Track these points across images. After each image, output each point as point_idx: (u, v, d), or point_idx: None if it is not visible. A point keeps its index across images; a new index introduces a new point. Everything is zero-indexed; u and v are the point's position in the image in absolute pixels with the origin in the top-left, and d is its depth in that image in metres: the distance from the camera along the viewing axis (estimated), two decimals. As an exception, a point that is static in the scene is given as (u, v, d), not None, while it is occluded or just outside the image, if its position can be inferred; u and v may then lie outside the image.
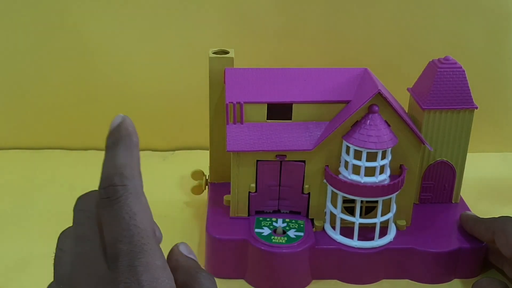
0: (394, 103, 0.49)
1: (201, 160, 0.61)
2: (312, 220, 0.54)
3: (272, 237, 0.51)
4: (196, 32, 0.65)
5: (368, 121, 0.49)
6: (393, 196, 0.51)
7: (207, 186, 0.60)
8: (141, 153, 0.75)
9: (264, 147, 0.50)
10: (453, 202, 0.59)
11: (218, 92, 0.55)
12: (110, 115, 0.78)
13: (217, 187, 0.59)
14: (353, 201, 0.51)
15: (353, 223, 0.51)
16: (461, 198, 0.59)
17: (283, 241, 0.51)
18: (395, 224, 0.54)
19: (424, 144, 0.51)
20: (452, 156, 0.57)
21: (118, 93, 0.72)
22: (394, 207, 0.52)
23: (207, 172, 0.60)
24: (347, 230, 0.52)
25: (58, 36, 0.69)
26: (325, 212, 0.54)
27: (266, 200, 0.53)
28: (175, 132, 0.74)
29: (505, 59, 0.70)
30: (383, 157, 0.50)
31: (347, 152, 0.50)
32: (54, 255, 0.33)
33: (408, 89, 0.58)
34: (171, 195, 0.65)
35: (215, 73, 0.54)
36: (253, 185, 0.52)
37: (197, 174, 0.61)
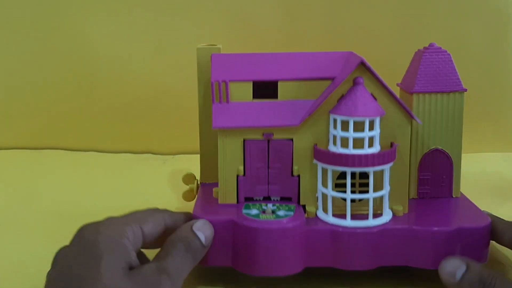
0: (379, 77, 0.49)
1: None
2: (304, 206, 0.52)
3: (260, 216, 0.49)
4: (201, 39, 0.66)
5: (353, 93, 0.49)
6: (385, 169, 0.49)
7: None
8: (142, 156, 0.76)
9: (251, 123, 0.50)
10: (453, 196, 0.56)
11: (206, 85, 0.56)
12: (111, 117, 0.79)
13: (209, 186, 0.58)
14: (345, 185, 0.49)
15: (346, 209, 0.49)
16: (461, 193, 0.57)
17: (272, 217, 0.49)
18: (392, 210, 0.51)
19: (412, 118, 0.50)
20: (447, 144, 0.55)
21: (120, 95, 0.73)
22: (387, 186, 0.50)
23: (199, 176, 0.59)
24: (340, 216, 0.50)
25: (59, 36, 0.70)
26: (317, 197, 0.52)
27: (255, 185, 0.52)
28: (176, 136, 0.73)
29: (505, 59, 0.70)
30: (371, 128, 0.49)
31: (335, 126, 0.49)
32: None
33: (397, 84, 0.58)
34: (171, 198, 0.64)
35: (203, 65, 0.55)
36: (241, 167, 0.51)
37: (188, 178, 0.60)
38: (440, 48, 0.55)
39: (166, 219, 0.48)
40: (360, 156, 0.47)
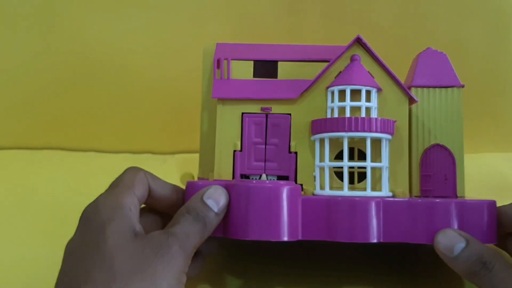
0: (377, 55, 0.51)
1: None
2: (301, 186, 0.50)
3: (255, 179, 0.48)
4: (201, 39, 0.64)
5: (350, 68, 0.50)
6: (384, 140, 0.49)
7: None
8: (142, 156, 0.74)
9: (249, 95, 0.51)
10: (458, 196, 0.54)
11: (209, 84, 0.57)
12: (111, 117, 0.79)
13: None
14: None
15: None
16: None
17: (267, 180, 0.47)
18: (393, 193, 0.50)
19: (409, 96, 0.51)
20: (447, 140, 0.54)
21: (119, 95, 0.72)
22: (386, 160, 0.49)
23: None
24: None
25: (58, 36, 0.70)
26: (315, 177, 0.50)
27: (252, 162, 0.51)
28: (176, 136, 0.71)
29: (505, 59, 0.69)
30: (368, 100, 0.49)
31: (332, 100, 0.50)
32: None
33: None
34: None
35: (209, 64, 0.57)
36: (238, 142, 0.51)
37: (186, 178, 0.59)
38: (437, 50, 0.57)
39: (148, 178, 0.45)
40: (356, 119, 0.47)
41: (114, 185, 0.43)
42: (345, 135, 0.47)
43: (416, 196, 0.53)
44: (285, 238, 0.45)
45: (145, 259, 0.38)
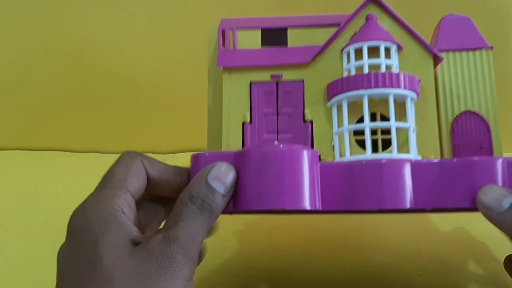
0: (394, 12, 0.47)
1: None
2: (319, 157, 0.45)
3: (267, 145, 0.43)
4: (201, 38, 0.64)
5: (366, 27, 0.46)
6: (408, 98, 0.44)
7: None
8: None
9: (258, 62, 0.47)
10: (497, 167, 0.48)
11: (215, 59, 0.54)
12: (112, 118, 0.78)
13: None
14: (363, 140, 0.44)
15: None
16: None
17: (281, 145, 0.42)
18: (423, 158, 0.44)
19: (433, 53, 0.46)
20: (480, 105, 0.49)
21: (120, 96, 0.71)
22: (412, 120, 0.44)
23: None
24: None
25: (59, 37, 0.70)
26: (333, 146, 0.45)
27: (263, 134, 0.46)
28: (176, 135, 0.69)
29: (505, 60, 0.66)
30: (388, 57, 0.45)
31: (348, 61, 0.46)
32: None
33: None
34: None
35: (214, 46, 0.54)
36: (247, 113, 0.47)
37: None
38: (460, 15, 0.52)
39: (146, 164, 0.40)
40: (377, 74, 0.43)
41: (105, 182, 0.38)
42: (365, 93, 0.43)
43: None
44: (307, 206, 0.39)
45: (146, 276, 0.32)
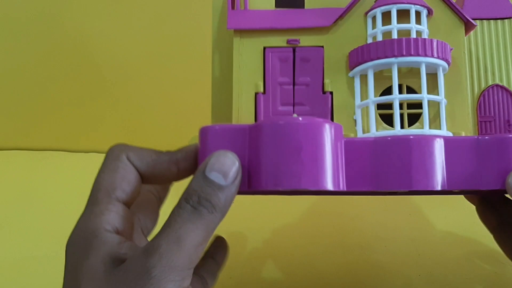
0: None
1: None
2: (340, 129, 0.41)
3: (284, 117, 0.38)
4: (201, 37, 0.63)
5: (393, -11, 0.42)
6: (439, 68, 0.40)
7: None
8: None
9: (273, 25, 0.42)
10: (527, 144, 0.45)
11: (222, 22, 0.49)
12: (112, 118, 0.77)
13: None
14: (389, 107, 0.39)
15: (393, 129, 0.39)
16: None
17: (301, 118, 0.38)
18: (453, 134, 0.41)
19: (466, 20, 0.42)
20: (508, 79, 0.46)
21: (120, 95, 0.72)
22: (443, 93, 0.40)
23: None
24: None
25: (59, 37, 0.70)
26: (355, 121, 0.41)
27: (278, 106, 0.42)
28: (176, 135, 0.68)
29: None
30: (418, 22, 0.40)
31: (374, 26, 0.41)
32: None
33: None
34: (171, 196, 0.55)
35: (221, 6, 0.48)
36: (261, 83, 0.42)
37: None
38: (486, -20, 0.48)
39: (133, 160, 0.36)
40: (409, 40, 0.38)
41: (92, 197, 0.35)
42: (395, 61, 0.38)
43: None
44: (330, 186, 0.35)
45: None
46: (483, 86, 0.45)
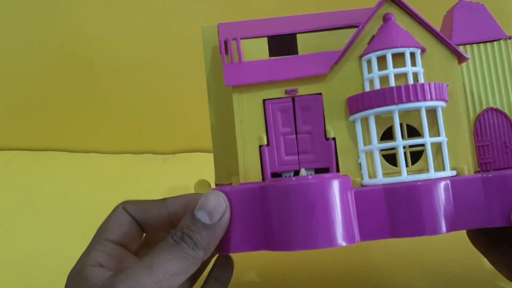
0: (414, 10, 0.43)
1: (202, 162, 0.56)
2: (346, 177, 0.42)
3: (294, 177, 0.39)
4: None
5: (385, 28, 0.42)
6: (438, 108, 0.40)
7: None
8: (142, 156, 0.75)
9: (270, 77, 0.42)
10: (523, 165, 0.46)
11: (213, 72, 0.49)
12: (112, 118, 0.77)
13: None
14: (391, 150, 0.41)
15: (398, 171, 0.39)
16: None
17: (309, 175, 0.39)
18: (456, 171, 0.42)
19: (459, 53, 0.42)
20: (502, 102, 0.47)
21: (120, 96, 0.71)
22: (443, 133, 0.41)
23: (212, 178, 0.49)
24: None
25: (59, 37, 0.70)
26: (360, 164, 0.42)
27: (283, 156, 0.42)
28: (176, 135, 0.71)
29: None
30: (413, 64, 0.41)
31: (369, 70, 0.42)
32: None
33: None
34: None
35: (209, 45, 0.48)
36: (263, 135, 0.42)
37: (202, 185, 0.50)
38: (472, 1, 0.49)
39: (128, 208, 0.40)
40: (407, 87, 0.39)
41: (91, 241, 0.39)
42: (396, 108, 0.39)
43: (475, 172, 0.45)
44: (342, 243, 0.36)
45: None
46: (478, 110, 0.46)
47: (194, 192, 0.49)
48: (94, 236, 0.39)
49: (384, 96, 0.39)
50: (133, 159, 0.72)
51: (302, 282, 0.53)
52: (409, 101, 0.39)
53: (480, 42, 0.47)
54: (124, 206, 0.40)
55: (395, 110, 0.39)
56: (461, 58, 0.43)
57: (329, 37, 0.44)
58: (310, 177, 0.37)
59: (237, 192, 0.38)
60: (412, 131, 0.42)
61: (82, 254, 0.37)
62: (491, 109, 0.46)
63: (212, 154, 0.48)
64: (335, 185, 0.36)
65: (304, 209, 0.36)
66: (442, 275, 0.53)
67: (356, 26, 0.44)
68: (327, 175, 0.37)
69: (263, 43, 0.44)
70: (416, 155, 0.42)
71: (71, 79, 0.73)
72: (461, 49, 0.46)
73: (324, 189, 0.36)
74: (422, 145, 0.41)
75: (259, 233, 0.38)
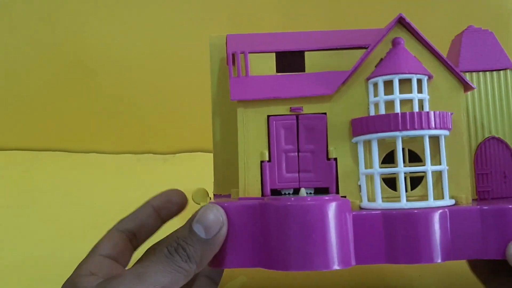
0: (424, 36, 0.43)
1: (202, 162, 0.57)
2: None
3: (288, 194, 0.39)
4: (201, 37, 0.62)
5: (394, 53, 0.42)
6: (441, 137, 0.41)
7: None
8: (142, 156, 0.75)
9: (275, 95, 0.42)
10: (523, 196, 0.46)
11: (220, 84, 0.49)
12: (112, 118, 0.78)
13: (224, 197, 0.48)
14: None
15: (398, 196, 0.40)
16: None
17: (308, 195, 0.39)
18: (455, 199, 0.42)
19: (465, 82, 0.43)
20: (504, 131, 0.47)
21: (120, 96, 0.72)
22: (445, 161, 0.41)
23: (212, 179, 0.49)
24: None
25: (59, 37, 0.70)
26: (360, 186, 0.42)
27: (283, 173, 0.42)
28: (176, 135, 0.71)
29: None
30: (420, 90, 0.41)
31: (375, 94, 0.42)
32: None
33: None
34: None
35: (216, 56, 0.49)
36: (266, 151, 0.42)
37: (200, 195, 0.50)
38: (480, 28, 0.49)
39: (121, 225, 0.41)
40: (412, 115, 0.39)
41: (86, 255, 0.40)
42: (399, 134, 0.39)
43: (473, 199, 0.45)
44: (336, 266, 0.36)
45: None
46: (480, 138, 0.47)
47: (192, 200, 0.49)
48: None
49: (389, 121, 0.39)
50: (133, 159, 0.73)
51: (302, 282, 0.53)
52: (413, 128, 0.39)
53: (487, 70, 0.47)
54: (116, 226, 0.41)
55: (398, 136, 0.39)
56: (467, 87, 0.43)
57: (337, 56, 0.44)
58: (309, 198, 0.37)
59: (236, 208, 0.38)
60: (414, 155, 0.42)
61: (75, 269, 0.38)
62: (493, 138, 0.47)
63: (212, 154, 0.48)
64: (334, 208, 0.37)
65: (302, 230, 0.36)
66: (442, 275, 0.53)
67: (365, 48, 0.44)
68: (326, 197, 0.37)
69: (271, 58, 0.44)
70: (416, 179, 0.42)
71: (71, 79, 0.73)
72: (467, 76, 0.46)
73: (322, 212, 0.36)
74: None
75: (255, 250, 0.38)
